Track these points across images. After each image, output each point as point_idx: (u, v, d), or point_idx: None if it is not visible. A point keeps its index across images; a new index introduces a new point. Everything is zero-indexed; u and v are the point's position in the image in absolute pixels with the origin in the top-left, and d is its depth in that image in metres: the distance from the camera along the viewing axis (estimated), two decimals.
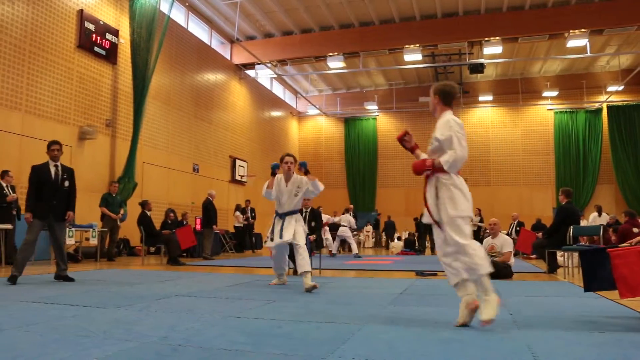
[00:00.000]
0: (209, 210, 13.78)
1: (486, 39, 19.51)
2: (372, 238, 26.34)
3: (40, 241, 11.46)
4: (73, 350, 2.94)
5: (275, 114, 26.86)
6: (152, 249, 14.23)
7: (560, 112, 26.08)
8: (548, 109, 26.25)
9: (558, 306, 5.05)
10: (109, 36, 14.56)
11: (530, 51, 22.87)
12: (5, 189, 10.29)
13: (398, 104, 27.20)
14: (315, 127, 29.92)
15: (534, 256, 13.86)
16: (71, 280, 7.09)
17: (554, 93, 25.29)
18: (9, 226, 10.01)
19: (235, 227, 17.98)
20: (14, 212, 10.38)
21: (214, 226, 13.75)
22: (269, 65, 22.23)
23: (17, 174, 10.98)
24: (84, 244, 12.34)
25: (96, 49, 14.12)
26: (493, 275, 7.71)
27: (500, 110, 27.03)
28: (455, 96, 4.27)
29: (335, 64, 21.61)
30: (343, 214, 17.34)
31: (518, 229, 16.21)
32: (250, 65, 22.50)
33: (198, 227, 15.31)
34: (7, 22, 11.73)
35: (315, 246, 8.94)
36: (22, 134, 11.95)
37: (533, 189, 25.99)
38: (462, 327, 3.76)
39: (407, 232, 23.74)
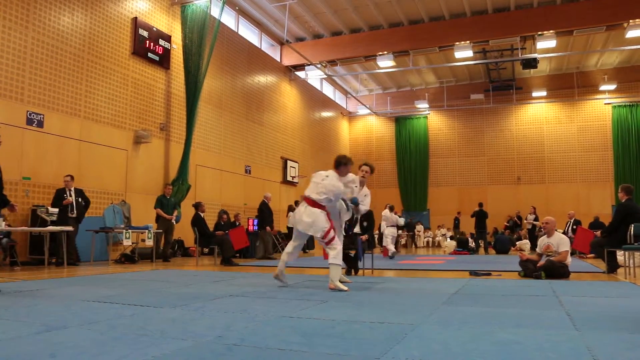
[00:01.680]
0: (263, 212, 14.05)
1: (539, 33, 19.02)
2: (425, 238, 26.12)
3: (97, 242, 11.90)
4: (131, 348, 3.02)
5: (326, 114, 26.93)
6: (206, 250, 14.46)
7: (619, 105, 25.20)
8: (605, 103, 25.40)
9: (619, 307, 4.87)
10: (162, 42, 14.90)
11: (587, 44, 22.18)
12: (67, 192, 10.68)
13: (449, 102, 26.87)
14: (365, 126, 29.87)
15: (591, 255, 13.49)
16: None
17: (612, 86, 24.46)
18: (69, 228, 10.35)
19: (287, 228, 18.12)
20: (73, 215, 10.71)
21: (267, 227, 13.96)
22: (319, 66, 22.30)
23: (77, 178, 11.35)
24: (140, 245, 12.68)
25: (150, 55, 14.48)
26: (550, 275, 7.62)
27: (554, 106, 26.33)
28: None
29: (385, 63, 21.48)
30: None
31: (575, 227, 15.76)
32: (300, 67, 22.64)
33: (251, 227, 15.49)
34: (68, 33, 12.16)
35: (367, 246, 8.91)
36: (81, 139, 12.36)
37: (590, 186, 25.19)
38: (518, 327, 3.68)
39: (460, 231, 23.42)
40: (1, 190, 6.46)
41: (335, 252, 6.09)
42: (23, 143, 11.00)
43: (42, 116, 11.39)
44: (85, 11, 12.70)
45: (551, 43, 19.30)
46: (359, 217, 9.11)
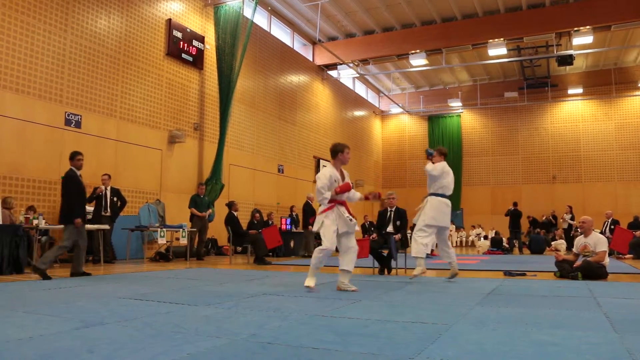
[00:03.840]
0: (306, 212, 14.61)
1: (575, 29, 18.63)
2: (458, 238, 25.86)
3: (133, 240, 12.09)
4: (167, 345, 3.07)
5: (358, 113, 26.88)
6: (239, 249, 14.56)
7: None
8: None
9: None
10: (195, 43, 15.07)
11: (625, 39, 21.65)
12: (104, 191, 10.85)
13: (482, 100, 26.54)
14: (398, 125, 29.71)
15: (629, 256, 13.22)
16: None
17: None
18: (105, 227, 10.52)
19: None
20: (107, 214, 10.87)
21: (310, 227, 14.23)
22: (351, 65, 22.26)
23: (114, 177, 11.54)
24: (174, 244, 12.82)
25: (184, 55, 14.65)
26: (587, 276, 7.46)
27: (591, 103, 25.76)
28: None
29: (418, 62, 21.33)
30: None
31: (612, 227, 15.41)
32: (333, 66, 22.63)
33: (284, 227, 15.58)
34: (104, 36, 12.38)
35: (400, 245, 8.86)
36: (117, 139, 12.58)
37: (629, 185, 24.57)
38: (554, 329, 3.62)
39: (494, 230, 23.15)
40: None
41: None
42: (63, 143, 11.23)
43: (79, 117, 11.62)
44: (121, 14, 12.92)
45: (588, 39, 18.89)
46: (392, 217, 9.06)
